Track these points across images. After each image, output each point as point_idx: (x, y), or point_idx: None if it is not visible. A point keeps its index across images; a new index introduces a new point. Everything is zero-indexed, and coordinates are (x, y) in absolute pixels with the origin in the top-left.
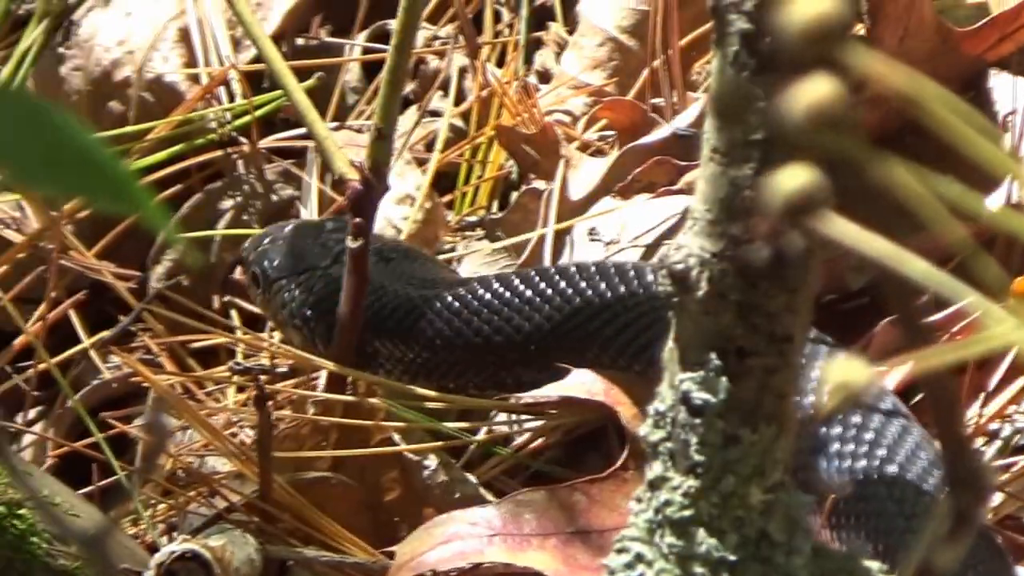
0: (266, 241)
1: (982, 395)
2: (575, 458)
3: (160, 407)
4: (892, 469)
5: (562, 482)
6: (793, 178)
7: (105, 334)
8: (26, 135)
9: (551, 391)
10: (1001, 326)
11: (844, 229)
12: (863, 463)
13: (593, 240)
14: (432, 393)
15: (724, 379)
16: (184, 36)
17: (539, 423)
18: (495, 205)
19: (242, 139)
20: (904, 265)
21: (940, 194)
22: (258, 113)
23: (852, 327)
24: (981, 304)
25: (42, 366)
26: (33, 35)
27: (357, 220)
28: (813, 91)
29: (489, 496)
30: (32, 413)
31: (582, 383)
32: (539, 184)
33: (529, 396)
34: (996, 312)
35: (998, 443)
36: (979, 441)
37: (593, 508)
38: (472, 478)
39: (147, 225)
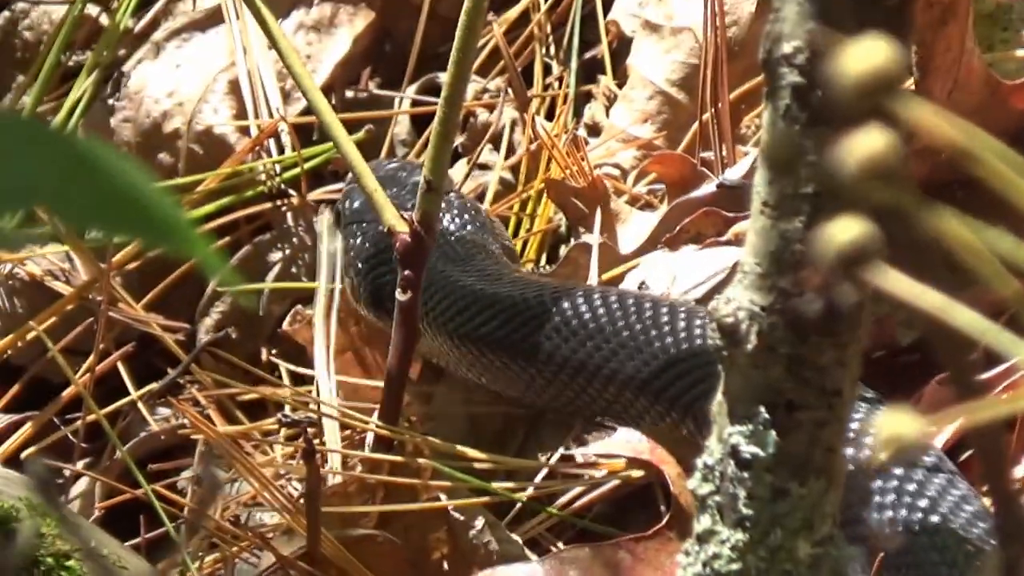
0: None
1: None
2: (622, 516)
3: (210, 459)
4: (935, 520)
5: (607, 539)
6: (845, 230)
7: (153, 386)
8: (79, 177)
9: (596, 449)
10: None
11: (896, 281)
12: (905, 513)
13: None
14: (481, 454)
15: (773, 432)
16: (234, 88)
17: (586, 483)
18: (544, 258)
19: (291, 191)
20: (956, 317)
21: (992, 246)
22: (307, 165)
23: (902, 383)
24: None
25: (91, 418)
26: (83, 86)
27: (407, 273)
28: (866, 144)
29: (534, 557)
30: (80, 464)
31: (627, 441)
32: (589, 238)
33: (575, 453)
34: None
35: None
36: None
37: (637, 567)
38: (518, 538)
39: (202, 269)
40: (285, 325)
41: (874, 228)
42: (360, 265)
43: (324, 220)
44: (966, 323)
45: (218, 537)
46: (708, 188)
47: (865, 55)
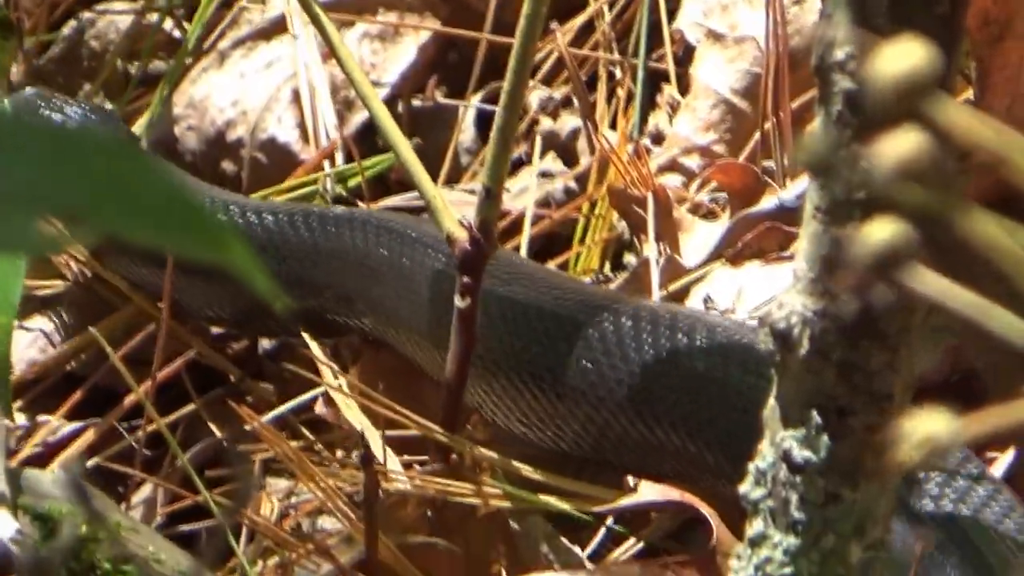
0: None
1: None
2: (683, 531)
3: (241, 457)
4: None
5: (668, 555)
6: (880, 231)
7: (216, 392)
8: (118, 184)
9: (627, 503)
10: None
11: (931, 282)
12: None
13: (709, 309)
14: (538, 476)
15: (825, 437)
16: (298, 97)
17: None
18: (608, 265)
19: (357, 201)
20: (993, 319)
21: None
22: (368, 174)
23: (978, 407)
24: None
25: (151, 427)
26: (149, 95)
27: (466, 280)
28: (900, 144)
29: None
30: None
31: (656, 489)
32: (655, 255)
33: (603, 509)
34: None
35: None
36: None
37: None
38: (578, 549)
39: (235, 273)
40: (318, 408)
41: (910, 229)
42: None
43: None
44: (1003, 325)
45: (276, 542)
46: (770, 203)
47: (899, 56)
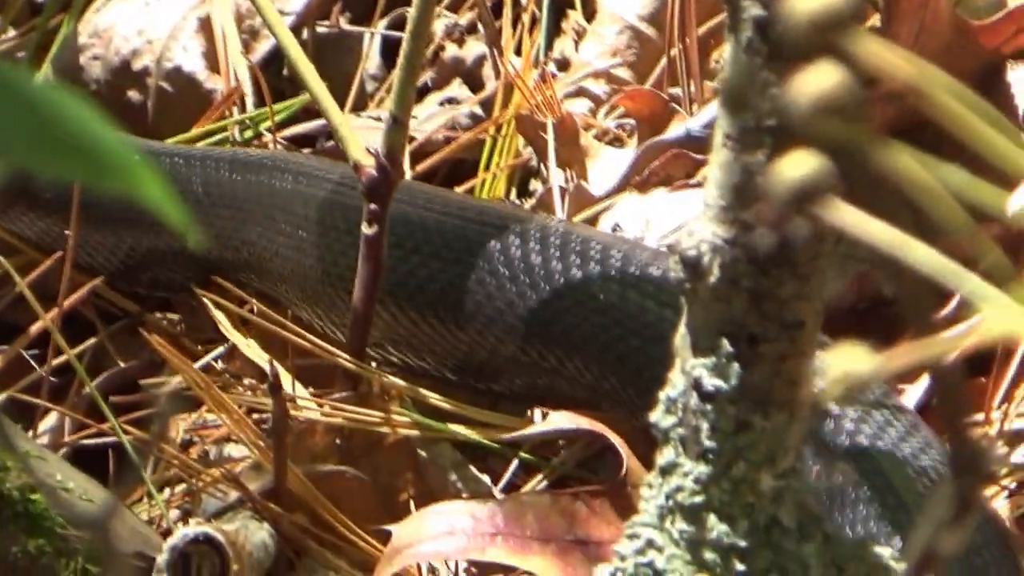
0: None
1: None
2: (593, 460)
3: (164, 388)
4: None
5: (580, 484)
6: (798, 164)
7: (121, 322)
8: (18, 112)
9: (535, 430)
10: (1002, 311)
11: (849, 216)
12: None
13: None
14: (447, 405)
15: (736, 365)
16: (204, 26)
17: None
18: (514, 192)
19: (264, 132)
20: (910, 253)
21: (945, 182)
22: (278, 119)
23: (891, 335)
24: (983, 290)
25: (59, 360)
26: (53, 23)
27: (372, 207)
28: (819, 79)
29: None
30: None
31: (565, 417)
32: (560, 180)
33: (512, 436)
34: (999, 298)
35: None
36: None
37: (592, 519)
38: (486, 479)
39: (146, 204)
40: (222, 363)
41: (827, 163)
42: None
43: None
44: (921, 259)
45: (183, 470)
46: (677, 131)
47: None
